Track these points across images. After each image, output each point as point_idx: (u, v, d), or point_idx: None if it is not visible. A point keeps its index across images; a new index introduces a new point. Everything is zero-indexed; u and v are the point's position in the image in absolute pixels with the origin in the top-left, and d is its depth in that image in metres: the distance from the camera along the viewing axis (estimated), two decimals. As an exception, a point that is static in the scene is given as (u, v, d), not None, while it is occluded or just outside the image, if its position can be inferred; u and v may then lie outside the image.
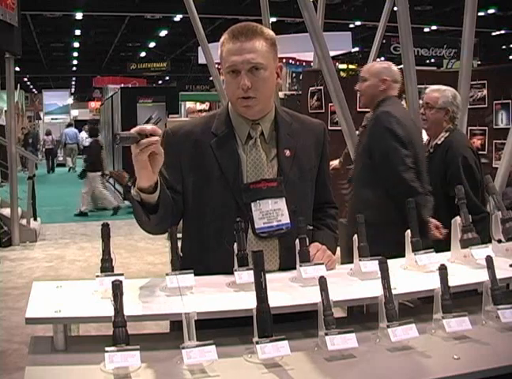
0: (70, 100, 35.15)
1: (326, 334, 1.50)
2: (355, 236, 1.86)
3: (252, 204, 1.83)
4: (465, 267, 1.98)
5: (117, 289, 1.46)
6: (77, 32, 22.73)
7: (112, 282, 1.47)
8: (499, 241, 2.09)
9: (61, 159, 23.16)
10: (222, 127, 1.90)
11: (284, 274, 1.85)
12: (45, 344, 1.58)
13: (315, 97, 7.19)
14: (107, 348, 1.40)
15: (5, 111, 9.43)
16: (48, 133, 21.88)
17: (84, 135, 21.42)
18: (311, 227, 1.93)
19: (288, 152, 1.89)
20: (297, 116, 2.03)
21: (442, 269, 1.67)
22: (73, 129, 22.17)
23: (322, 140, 2.01)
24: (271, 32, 1.87)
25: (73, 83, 37.81)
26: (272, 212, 1.81)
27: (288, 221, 1.80)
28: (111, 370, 1.39)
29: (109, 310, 1.47)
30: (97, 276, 1.70)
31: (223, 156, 1.86)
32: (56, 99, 33.27)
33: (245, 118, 1.89)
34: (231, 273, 1.72)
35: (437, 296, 1.67)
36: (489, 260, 1.76)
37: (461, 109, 3.80)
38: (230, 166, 1.85)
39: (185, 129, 1.94)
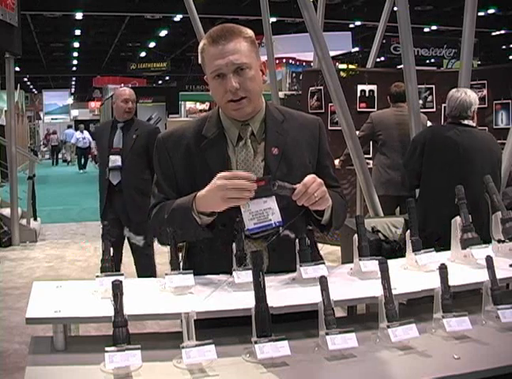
0: (70, 100, 35.22)
1: (327, 334, 1.50)
2: (355, 236, 1.86)
3: (241, 205, 1.77)
4: (466, 266, 1.98)
5: (117, 289, 1.46)
6: (77, 32, 22.74)
7: (112, 282, 1.47)
8: (499, 241, 2.10)
9: (66, 156, 26.90)
10: (213, 129, 1.90)
11: (284, 274, 1.84)
12: (45, 344, 1.58)
13: (315, 97, 7.20)
14: (107, 348, 1.40)
15: (5, 111, 9.42)
16: (54, 133, 26.36)
17: (79, 135, 22.06)
18: (311, 228, 1.92)
19: (275, 150, 1.87)
20: (290, 113, 2.01)
21: (443, 268, 1.67)
22: (71, 130, 25.63)
23: (318, 135, 1.98)
24: (249, 31, 1.87)
25: (73, 83, 37.81)
26: (263, 212, 1.74)
27: (280, 219, 1.73)
28: (111, 370, 1.39)
29: (109, 310, 1.47)
30: (97, 276, 1.70)
31: (212, 158, 1.86)
32: (56, 99, 33.36)
33: (235, 119, 1.89)
34: (224, 273, 1.73)
35: (437, 295, 1.67)
36: (489, 259, 1.76)
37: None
38: (219, 167, 1.82)
39: (176, 135, 1.94)
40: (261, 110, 1.91)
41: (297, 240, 1.80)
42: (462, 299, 1.86)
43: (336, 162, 5.63)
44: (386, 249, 3.76)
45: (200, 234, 1.79)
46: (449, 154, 3.71)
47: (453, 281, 1.70)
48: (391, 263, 1.74)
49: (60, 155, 26.96)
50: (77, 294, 1.72)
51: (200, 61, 1.89)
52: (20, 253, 7.60)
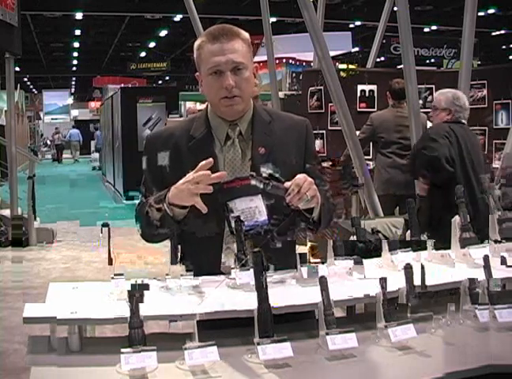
0: (70, 100, 35.22)
1: (327, 334, 1.50)
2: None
3: (228, 204, 1.79)
4: (443, 266, 1.99)
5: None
6: (77, 32, 22.75)
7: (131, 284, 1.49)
8: (496, 241, 2.10)
9: (67, 155, 27.52)
10: (200, 129, 1.92)
11: (284, 274, 1.85)
12: (61, 345, 1.57)
13: (315, 97, 7.18)
14: (122, 349, 1.40)
15: (5, 111, 9.41)
16: (57, 132, 27.06)
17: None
18: (303, 227, 1.92)
19: (262, 150, 1.88)
20: (278, 114, 2.04)
21: (408, 268, 1.67)
22: (75, 130, 26.85)
23: (305, 136, 1.99)
24: (246, 33, 1.91)
25: (73, 83, 37.80)
26: (249, 210, 1.77)
27: (266, 218, 1.76)
28: (127, 371, 1.39)
29: (125, 311, 1.48)
30: (112, 278, 1.70)
31: (199, 158, 1.84)
32: (56, 99, 33.36)
33: (223, 119, 1.91)
34: (218, 273, 1.75)
35: (402, 295, 1.67)
36: (486, 258, 1.77)
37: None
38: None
39: (165, 134, 1.97)
40: (248, 111, 1.94)
41: None
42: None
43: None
44: (361, 249, 3.77)
45: (171, 226, 1.79)
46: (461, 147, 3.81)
47: (430, 281, 1.71)
48: (367, 262, 1.75)
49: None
50: (92, 295, 1.71)
51: (195, 58, 1.91)
52: (37, 254, 7.64)
